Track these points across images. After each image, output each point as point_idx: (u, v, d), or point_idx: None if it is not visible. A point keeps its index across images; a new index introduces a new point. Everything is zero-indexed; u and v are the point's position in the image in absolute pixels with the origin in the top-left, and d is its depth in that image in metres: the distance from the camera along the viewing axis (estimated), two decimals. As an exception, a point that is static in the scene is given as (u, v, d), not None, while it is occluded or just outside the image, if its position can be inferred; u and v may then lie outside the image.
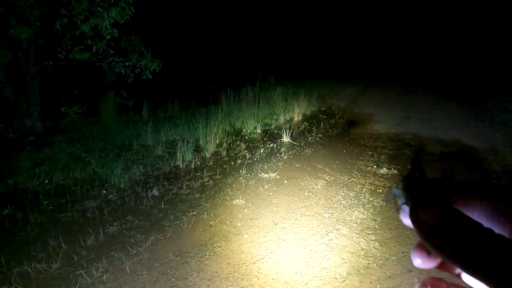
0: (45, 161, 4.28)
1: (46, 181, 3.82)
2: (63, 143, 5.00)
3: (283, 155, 4.69)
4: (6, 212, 3.16)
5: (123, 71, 5.83)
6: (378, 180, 3.88)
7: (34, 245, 2.70)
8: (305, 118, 6.77)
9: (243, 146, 5.07)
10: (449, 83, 10.39)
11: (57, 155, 4.50)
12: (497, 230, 0.24)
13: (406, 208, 0.29)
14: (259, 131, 5.81)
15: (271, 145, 5.12)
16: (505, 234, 0.24)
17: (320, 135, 5.63)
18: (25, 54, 5.30)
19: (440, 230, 0.24)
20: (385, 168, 4.16)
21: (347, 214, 3.16)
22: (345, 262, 2.49)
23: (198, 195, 3.55)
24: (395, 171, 4.09)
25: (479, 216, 0.26)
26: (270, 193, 3.58)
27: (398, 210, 0.29)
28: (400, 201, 0.29)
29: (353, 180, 3.89)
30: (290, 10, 14.39)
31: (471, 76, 11.00)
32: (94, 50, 5.36)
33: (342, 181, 3.88)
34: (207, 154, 4.69)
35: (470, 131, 5.69)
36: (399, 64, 14.26)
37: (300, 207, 3.29)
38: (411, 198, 0.28)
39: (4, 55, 4.68)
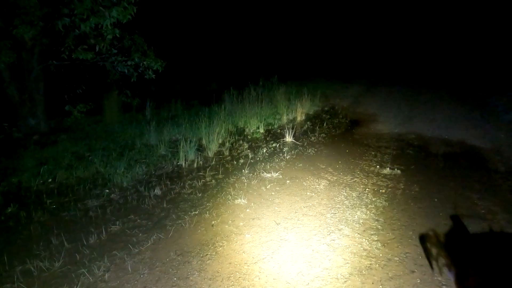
0: (48, 160, 4.31)
1: (50, 180, 3.84)
2: (66, 142, 5.02)
3: (285, 155, 4.68)
4: (9, 210, 3.19)
5: (126, 71, 5.84)
6: (381, 181, 3.86)
7: (36, 243, 2.71)
8: (308, 118, 6.76)
9: (245, 145, 5.07)
10: (453, 83, 10.32)
11: (61, 154, 4.52)
12: None
13: (450, 274, 0.26)
14: (262, 130, 5.80)
15: (273, 144, 5.11)
16: None
17: (323, 135, 5.61)
18: (29, 54, 5.33)
19: None
20: (388, 168, 4.14)
21: (349, 214, 3.14)
22: (347, 263, 2.48)
23: (200, 195, 3.55)
24: (398, 171, 4.07)
25: None
26: (273, 193, 3.58)
27: (440, 272, 0.27)
28: (441, 263, 0.27)
29: (355, 180, 3.87)
30: (293, 10, 14.36)
31: (475, 76, 10.92)
32: (97, 49, 5.38)
33: (344, 181, 3.87)
34: (210, 154, 4.69)
35: (474, 131, 5.65)
36: (402, 64, 14.18)
37: (302, 207, 3.28)
38: (454, 262, 0.26)
39: (8, 54, 4.72)
